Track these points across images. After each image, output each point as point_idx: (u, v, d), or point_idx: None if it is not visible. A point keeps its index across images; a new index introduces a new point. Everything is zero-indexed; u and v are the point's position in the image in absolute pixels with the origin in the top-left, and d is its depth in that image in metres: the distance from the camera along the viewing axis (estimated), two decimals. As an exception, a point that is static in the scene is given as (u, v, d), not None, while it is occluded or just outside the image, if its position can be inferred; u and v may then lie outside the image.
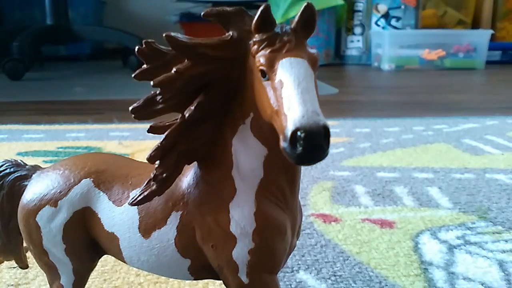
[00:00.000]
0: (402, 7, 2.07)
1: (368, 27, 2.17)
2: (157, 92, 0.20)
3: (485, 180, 0.55)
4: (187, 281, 0.34)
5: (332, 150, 0.66)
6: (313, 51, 0.20)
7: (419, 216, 0.45)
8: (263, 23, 0.18)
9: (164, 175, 0.20)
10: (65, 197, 0.22)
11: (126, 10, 2.38)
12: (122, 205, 0.21)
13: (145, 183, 0.20)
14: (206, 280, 0.34)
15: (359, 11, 2.19)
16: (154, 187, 0.20)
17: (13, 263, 0.36)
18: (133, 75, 0.21)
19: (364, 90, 1.43)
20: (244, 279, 0.20)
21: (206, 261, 0.21)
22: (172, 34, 0.19)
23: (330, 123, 0.87)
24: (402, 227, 0.42)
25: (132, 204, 0.20)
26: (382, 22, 2.11)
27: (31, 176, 0.24)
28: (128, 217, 0.21)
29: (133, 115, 0.21)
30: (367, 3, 2.16)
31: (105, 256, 0.37)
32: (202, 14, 0.19)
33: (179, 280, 0.34)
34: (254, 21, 0.19)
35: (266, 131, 0.20)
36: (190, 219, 0.21)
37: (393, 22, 2.10)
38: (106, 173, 0.22)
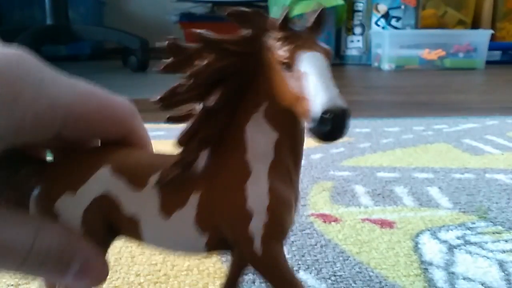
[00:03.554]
0: (402, 7, 2.07)
1: (368, 27, 2.17)
2: (181, 83, 0.22)
3: (485, 180, 0.55)
4: (187, 281, 0.34)
5: (332, 150, 0.67)
6: (326, 46, 0.22)
7: (419, 216, 0.45)
8: (286, 22, 0.21)
9: (188, 159, 0.22)
10: (84, 185, 0.23)
11: (126, 10, 2.38)
12: (142, 189, 0.23)
13: (170, 167, 0.22)
14: (206, 280, 0.34)
15: (359, 11, 2.19)
16: (178, 170, 0.22)
17: (13, 263, 0.36)
18: (159, 68, 0.22)
19: (364, 90, 1.43)
20: (259, 251, 0.22)
21: (222, 236, 0.23)
22: (198, 31, 0.21)
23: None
24: (402, 227, 0.42)
25: (160, 185, 0.22)
26: (382, 22, 2.11)
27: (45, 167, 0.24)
28: (149, 200, 0.23)
29: (159, 105, 0.22)
30: (367, 3, 2.16)
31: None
32: (226, 13, 0.21)
33: (179, 280, 0.34)
34: (279, 21, 0.21)
35: (279, 118, 0.22)
36: (208, 199, 0.22)
37: (393, 22, 2.10)
38: (124, 160, 0.23)
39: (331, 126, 0.18)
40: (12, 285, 0.33)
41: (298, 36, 0.21)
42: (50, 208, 0.23)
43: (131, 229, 0.23)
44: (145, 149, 0.25)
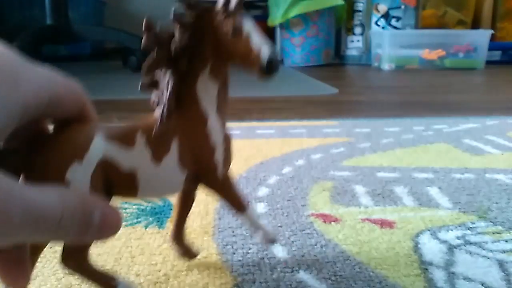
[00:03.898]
0: (402, 7, 2.07)
1: (368, 27, 2.17)
2: (158, 51, 0.28)
3: (485, 180, 0.55)
4: (187, 281, 0.34)
5: (332, 150, 0.67)
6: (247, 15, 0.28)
7: (419, 216, 0.45)
8: (227, 3, 0.27)
9: (169, 113, 0.28)
10: (87, 153, 0.27)
11: (126, 10, 2.38)
12: (133, 147, 0.28)
13: (155, 121, 0.28)
14: (206, 280, 0.34)
15: (359, 11, 2.19)
16: (164, 123, 0.28)
17: (13, 263, 0.36)
18: (142, 44, 0.28)
19: (364, 90, 1.43)
20: (220, 176, 0.30)
21: (196, 170, 0.30)
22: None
23: (330, 123, 0.87)
24: (402, 227, 0.42)
25: (155, 137, 0.28)
26: (382, 22, 2.11)
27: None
28: (141, 154, 0.28)
29: (142, 70, 0.28)
30: (367, 3, 2.16)
31: (105, 256, 0.37)
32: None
33: (179, 280, 0.34)
34: (221, 3, 0.27)
35: (217, 73, 0.29)
36: (184, 143, 0.29)
37: (393, 22, 2.09)
38: (108, 129, 0.28)
39: (272, 68, 0.26)
40: (12, 285, 0.34)
41: (235, 10, 0.27)
42: (62, 177, 0.26)
43: (129, 183, 0.28)
44: (95, 120, 0.29)
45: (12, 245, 0.21)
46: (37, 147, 0.27)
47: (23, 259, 0.24)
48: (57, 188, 0.22)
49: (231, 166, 0.32)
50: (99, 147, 0.27)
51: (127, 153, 0.28)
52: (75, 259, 0.28)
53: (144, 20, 0.28)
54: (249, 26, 0.27)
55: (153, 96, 0.29)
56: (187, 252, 0.36)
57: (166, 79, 0.29)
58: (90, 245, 0.29)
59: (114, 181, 0.28)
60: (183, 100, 0.29)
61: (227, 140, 0.31)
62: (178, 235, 0.35)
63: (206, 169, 0.30)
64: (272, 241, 0.34)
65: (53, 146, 0.27)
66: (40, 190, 0.20)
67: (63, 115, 0.26)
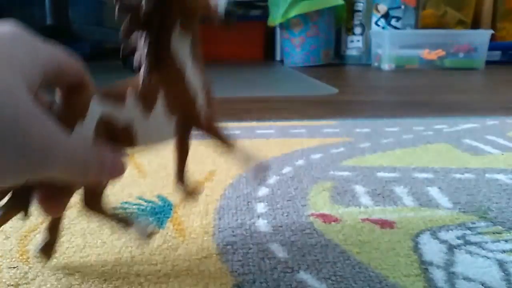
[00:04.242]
0: (402, 7, 2.07)
1: (368, 27, 2.17)
2: (131, 16, 0.32)
3: (485, 180, 0.55)
4: (187, 281, 0.34)
5: (332, 150, 0.67)
6: None
7: (419, 216, 0.45)
8: None
9: (151, 68, 0.32)
10: (88, 112, 0.31)
11: (126, 10, 2.38)
12: (125, 102, 0.31)
13: (140, 78, 0.32)
14: (206, 280, 0.34)
15: (359, 11, 2.19)
16: (148, 79, 0.32)
17: (13, 263, 0.36)
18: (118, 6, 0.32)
19: (364, 90, 1.43)
20: (204, 118, 0.34)
21: (182, 117, 0.33)
22: None
23: (330, 123, 0.87)
24: (402, 227, 0.42)
25: (142, 93, 0.32)
26: (382, 22, 2.11)
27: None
28: (132, 108, 0.31)
29: (122, 35, 0.32)
30: (367, 3, 2.16)
31: (105, 256, 0.37)
32: None
33: (179, 280, 0.34)
34: None
35: (188, 27, 0.32)
36: (169, 92, 0.32)
37: (393, 22, 2.09)
38: (106, 90, 0.32)
39: (231, 15, 0.31)
40: (12, 285, 0.34)
41: None
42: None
43: (128, 135, 0.32)
44: (92, 87, 0.33)
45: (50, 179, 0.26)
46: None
47: (60, 192, 0.30)
48: (84, 140, 0.28)
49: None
50: (96, 107, 0.31)
51: (121, 109, 0.31)
52: (94, 202, 0.33)
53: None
54: None
55: (136, 58, 0.33)
56: (191, 192, 0.39)
57: (142, 41, 0.32)
58: (104, 189, 0.33)
59: (115, 135, 0.31)
60: (162, 57, 0.32)
61: (207, 84, 0.34)
62: (181, 177, 0.38)
63: (191, 115, 0.33)
64: (265, 168, 0.37)
65: (60, 110, 0.31)
66: (74, 138, 0.27)
67: (67, 82, 0.30)
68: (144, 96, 0.32)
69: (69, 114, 0.31)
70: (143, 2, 0.31)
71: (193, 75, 0.33)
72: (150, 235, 0.35)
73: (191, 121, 0.34)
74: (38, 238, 0.39)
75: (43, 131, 0.23)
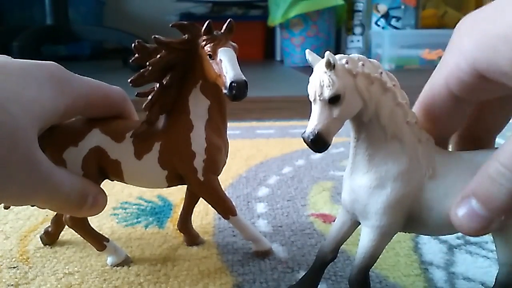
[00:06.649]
0: (402, 7, 2.07)
1: (368, 27, 2.17)
2: (146, 69, 0.33)
3: (485, 180, 0.55)
4: (187, 281, 0.34)
5: (332, 150, 0.67)
6: (234, 44, 0.33)
7: (419, 216, 0.45)
8: (209, 29, 0.32)
9: (151, 119, 0.34)
10: (82, 140, 0.34)
11: (126, 10, 2.38)
12: (122, 142, 0.34)
13: (140, 124, 0.34)
14: (206, 280, 0.34)
15: (359, 11, 2.19)
16: (145, 127, 0.34)
17: (13, 263, 0.36)
18: (131, 60, 0.34)
19: (364, 90, 1.43)
20: (201, 178, 0.34)
21: (177, 172, 0.35)
22: (156, 36, 0.33)
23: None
24: (402, 227, 0.42)
25: (134, 137, 0.34)
26: (382, 22, 2.11)
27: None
28: (126, 149, 0.34)
29: (131, 84, 0.33)
30: (367, 3, 2.16)
31: (105, 256, 0.37)
32: (171, 25, 0.33)
33: (179, 280, 0.34)
34: (203, 28, 0.32)
35: (209, 91, 0.34)
36: (166, 146, 0.34)
37: (393, 22, 2.09)
38: (108, 124, 0.34)
39: (236, 90, 0.30)
40: (12, 285, 0.34)
41: (217, 38, 0.32)
42: (60, 157, 0.33)
43: (116, 170, 0.34)
44: (135, 117, 0.36)
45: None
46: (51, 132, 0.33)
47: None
48: (70, 174, 0.30)
49: (228, 169, 0.36)
50: (95, 137, 0.34)
51: (116, 146, 0.34)
52: (75, 220, 0.35)
53: (136, 43, 0.33)
54: (224, 52, 0.32)
55: (145, 103, 0.35)
56: (192, 239, 0.40)
57: (154, 91, 0.34)
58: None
59: (105, 166, 0.34)
60: (176, 108, 0.35)
61: (214, 147, 0.35)
62: (184, 225, 0.40)
63: (185, 172, 0.34)
64: (265, 254, 0.37)
65: (58, 133, 0.34)
66: (60, 172, 0.29)
67: (97, 115, 0.34)
68: (139, 142, 0.34)
69: (63, 138, 0.34)
70: (162, 56, 0.33)
71: (199, 136, 0.34)
72: (123, 262, 0.36)
73: (185, 178, 0.35)
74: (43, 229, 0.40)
75: (30, 169, 0.26)
